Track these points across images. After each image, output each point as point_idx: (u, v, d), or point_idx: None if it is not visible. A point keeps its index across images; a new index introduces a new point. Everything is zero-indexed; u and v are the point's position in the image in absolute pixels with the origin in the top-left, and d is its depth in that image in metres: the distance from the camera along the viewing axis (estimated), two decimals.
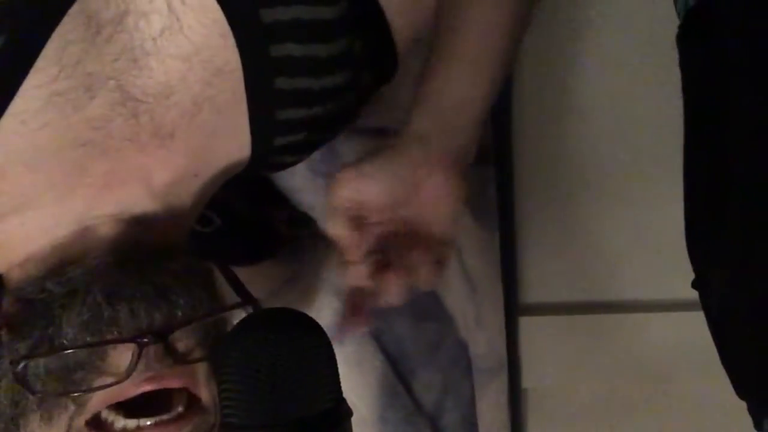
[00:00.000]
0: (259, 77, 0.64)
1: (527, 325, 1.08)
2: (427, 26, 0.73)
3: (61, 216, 0.61)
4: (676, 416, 1.13)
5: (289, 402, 0.54)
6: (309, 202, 0.97)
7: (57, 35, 0.56)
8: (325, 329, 0.57)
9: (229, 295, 0.65)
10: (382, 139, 0.95)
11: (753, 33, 0.68)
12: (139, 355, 0.56)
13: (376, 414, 1.00)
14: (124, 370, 0.56)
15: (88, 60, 0.57)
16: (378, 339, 1.00)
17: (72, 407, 0.57)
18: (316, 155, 0.93)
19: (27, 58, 0.56)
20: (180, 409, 0.59)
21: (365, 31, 0.69)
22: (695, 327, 0.82)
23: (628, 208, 1.04)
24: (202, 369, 0.60)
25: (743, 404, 0.74)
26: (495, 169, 0.97)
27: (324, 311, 0.97)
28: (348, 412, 0.57)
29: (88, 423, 0.58)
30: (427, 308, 1.01)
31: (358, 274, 0.68)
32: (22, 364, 0.56)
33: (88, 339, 0.56)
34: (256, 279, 0.67)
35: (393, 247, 0.69)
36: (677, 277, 0.81)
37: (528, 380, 1.10)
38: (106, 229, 0.61)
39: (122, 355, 0.57)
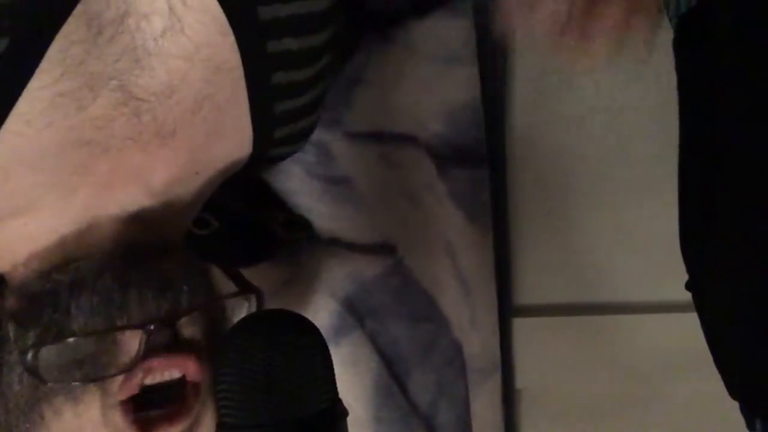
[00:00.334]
0: (258, 73, 0.65)
1: (521, 326, 1.07)
2: None
3: (64, 216, 0.61)
4: (669, 416, 1.12)
5: (286, 402, 0.55)
6: (306, 204, 0.98)
7: (60, 37, 0.56)
8: (321, 330, 0.58)
9: (228, 291, 0.66)
10: (378, 144, 0.96)
11: (747, 38, 0.68)
12: (147, 342, 0.57)
13: (372, 414, 1.00)
14: (133, 356, 0.57)
15: (90, 60, 0.58)
16: (373, 340, 1.00)
17: (94, 388, 0.58)
18: (312, 158, 0.94)
19: (31, 60, 0.56)
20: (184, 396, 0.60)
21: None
22: (688, 328, 0.82)
23: (621, 210, 1.04)
24: (204, 360, 0.61)
25: (735, 405, 0.75)
26: (489, 171, 0.97)
27: (320, 313, 0.98)
28: (344, 412, 0.58)
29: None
30: (422, 309, 1.01)
31: None
32: (31, 353, 0.57)
33: (98, 325, 0.57)
34: (253, 281, 0.67)
35: None
36: (670, 278, 0.81)
37: (521, 380, 1.10)
38: (108, 228, 0.62)
39: (131, 342, 0.58)
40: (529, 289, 1.07)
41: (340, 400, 0.58)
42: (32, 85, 0.56)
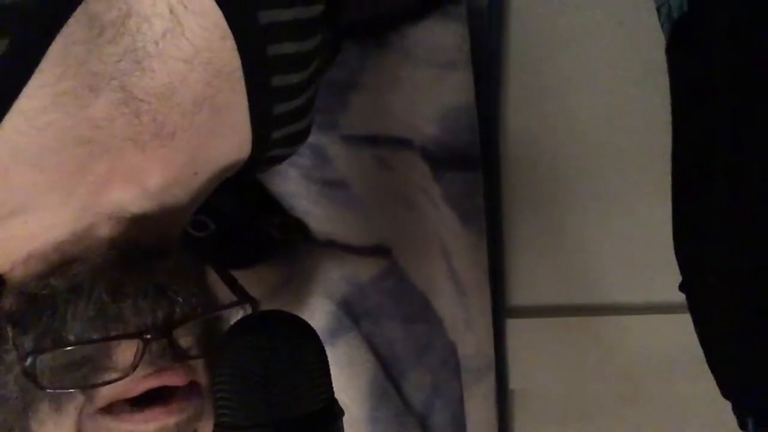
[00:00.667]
0: (258, 76, 0.65)
1: (514, 327, 1.07)
2: None
3: (63, 214, 0.61)
4: (662, 417, 1.13)
5: (282, 402, 0.55)
6: (302, 207, 0.98)
7: (61, 37, 0.56)
8: (317, 331, 0.59)
9: (224, 296, 0.66)
10: (374, 147, 0.96)
11: (740, 43, 0.69)
12: (143, 351, 0.57)
13: (367, 414, 1.01)
14: (128, 365, 0.57)
15: (91, 60, 0.58)
16: (369, 341, 1.00)
17: (81, 398, 0.58)
18: (308, 161, 0.94)
19: (31, 60, 0.56)
20: (183, 392, 0.60)
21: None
22: (680, 329, 0.83)
23: (614, 212, 1.04)
24: (201, 364, 0.61)
25: (728, 405, 0.76)
26: (483, 174, 0.97)
27: (317, 314, 0.98)
28: (340, 412, 0.58)
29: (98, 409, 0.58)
30: (417, 311, 1.01)
31: None
32: (30, 359, 0.57)
33: (94, 334, 0.57)
34: (250, 283, 0.68)
35: None
36: (662, 280, 0.82)
37: (515, 381, 1.10)
38: (106, 228, 0.62)
39: (126, 351, 0.58)
40: (522, 291, 1.07)
41: (336, 400, 0.58)
42: (32, 83, 0.56)
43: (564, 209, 1.04)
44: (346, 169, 0.97)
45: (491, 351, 1.04)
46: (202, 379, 0.61)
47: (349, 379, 1.00)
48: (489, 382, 1.05)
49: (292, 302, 0.98)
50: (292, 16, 0.64)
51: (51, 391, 0.58)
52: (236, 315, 0.63)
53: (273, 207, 0.98)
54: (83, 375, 0.58)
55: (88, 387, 0.58)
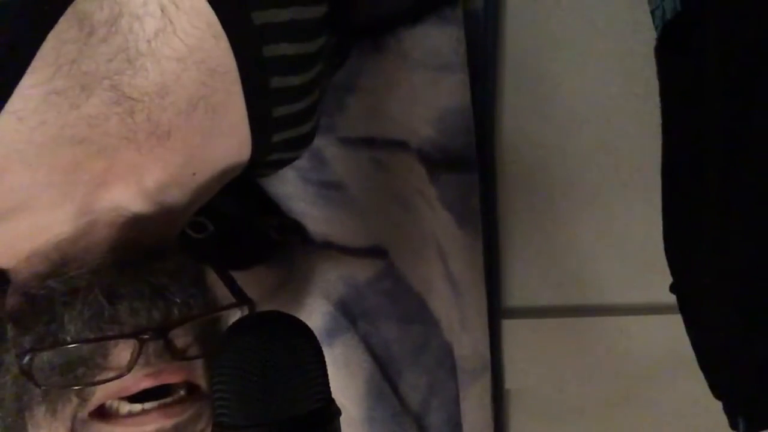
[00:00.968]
0: (255, 77, 0.65)
1: (510, 327, 1.08)
2: None
3: (60, 213, 0.62)
4: (656, 417, 1.13)
5: (280, 402, 0.55)
6: (299, 208, 0.98)
7: (52, 36, 0.57)
8: (314, 332, 0.59)
9: (223, 295, 0.67)
10: (370, 149, 0.96)
11: (729, 45, 0.69)
12: (140, 351, 0.58)
13: (364, 414, 1.01)
14: (124, 365, 0.58)
15: (83, 60, 0.58)
16: (365, 342, 1.00)
17: (75, 400, 0.59)
18: (306, 163, 0.94)
19: (23, 59, 0.56)
20: (182, 392, 0.61)
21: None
22: (673, 330, 0.83)
23: (608, 214, 1.04)
24: (199, 364, 0.62)
25: (719, 404, 0.76)
26: (479, 176, 0.97)
27: (314, 315, 0.98)
28: (337, 412, 0.58)
29: (91, 414, 0.59)
30: (413, 311, 1.01)
31: None
32: (27, 357, 0.58)
33: (90, 336, 0.58)
34: (248, 284, 0.68)
35: None
36: (657, 281, 0.82)
37: (511, 381, 1.11)
38: (105, 228, 0.62)
39: (123, 352, 0.59)
40: (518, 292, 1.07)
41: (333, 400, 0.58)
42: (24, 83, 0.56)
43: (559, 211, 1.04)
44: (343, 171, 0.97)
45: (487, 351, 1.04)
46: (202, 380, 0.62)
47: (346, 379, 1.00)
48: (485, 383, 1.05)
49: (289, 303, 0.98)
50: (288, 17, 0.65)
51: (47, 388, 0.58)
52: (234, 316, 0.63)
53: (271, 209, 0.98)
54: (80, 374, 0.58)
55: (84, 385, 0.58)
